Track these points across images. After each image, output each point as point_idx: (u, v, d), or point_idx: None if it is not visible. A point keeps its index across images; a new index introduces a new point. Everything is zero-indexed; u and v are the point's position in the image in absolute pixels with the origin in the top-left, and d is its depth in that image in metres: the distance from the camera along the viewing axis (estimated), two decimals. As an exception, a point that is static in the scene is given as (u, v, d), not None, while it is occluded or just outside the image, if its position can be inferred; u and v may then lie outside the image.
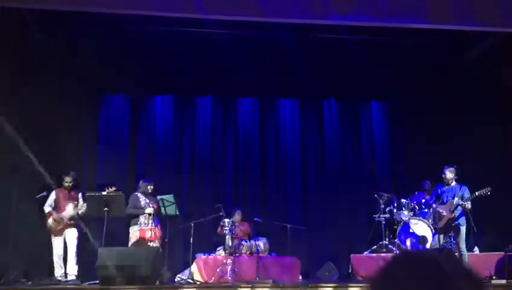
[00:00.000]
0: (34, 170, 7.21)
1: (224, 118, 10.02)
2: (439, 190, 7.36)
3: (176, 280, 7.43)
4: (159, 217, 7.72)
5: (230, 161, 9.84)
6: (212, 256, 7.86)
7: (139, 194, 7.77)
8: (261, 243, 7.96)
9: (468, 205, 6.93)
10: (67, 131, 8.38)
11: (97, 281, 6.41)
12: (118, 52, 8.55)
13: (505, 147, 9.05)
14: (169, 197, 7.55)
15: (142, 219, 7.59)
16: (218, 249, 8.09)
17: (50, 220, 7.34)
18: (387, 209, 8.43)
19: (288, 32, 8.46)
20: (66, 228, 7.38)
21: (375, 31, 8.01)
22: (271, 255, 8.04)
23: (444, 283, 1.05)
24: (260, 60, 9.16)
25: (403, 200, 8.44)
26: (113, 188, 7.19)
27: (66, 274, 7.26)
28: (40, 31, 7.97)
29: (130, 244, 7.53)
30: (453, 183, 7.18)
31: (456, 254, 6.60)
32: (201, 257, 7.73)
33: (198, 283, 7.14)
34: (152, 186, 7.87)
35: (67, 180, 7.50)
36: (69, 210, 7.38)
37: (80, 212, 7.41)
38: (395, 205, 8.43)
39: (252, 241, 8.02)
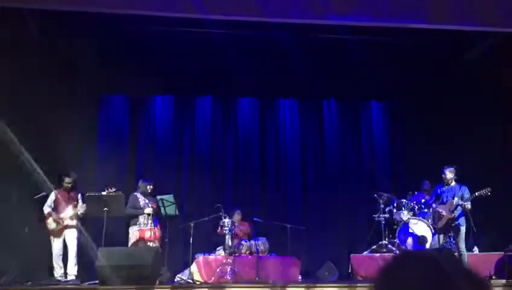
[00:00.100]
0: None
1: (224, 118, 10.01)
2: (438, 190, 7.35)
3: (175, 280, 7.42)
4: (158, 217, 7.72)
5: (230, 160, 9.83)
6: (212, 256, 7.86)
7: (139, 194, 7.78)
8: (261, 243, 7.96)
9: (468, 205, 6.92)
10: (67, 131, 8.36)
11: (97, 281, 6.40)
12: (118, 52, 8.56)
13: (505, 147, 9.06)
14: (169, 197, 7.56)
15: (141, 219, 7.61)
16: (218, 249, 8.09)
17: (49, 221, 7.34)
18: (387, 209, 8.44)
19: (288, 32, 8.47)
20: (66, 229, 7.39)
21: (375, 31, 8.01)
22: (271, 255, 8.04)
23: (444, 283, 1.05)
24: (260, 60, 9.16)
25: (403, 200, 8.46)
26: (113, 189, 7.20)
27: (65, 274, 7.27)
28: (40, 31, 7.97)
29: (129, 245, 7.54)
30: (453, 183, 7.17)
31: (456, 253, 6.60)
32: (201, 257, 7.73)
33: (198, 283, 7.14)
34: (151, 187, 7.88)
35: (67, 181, 7.50)
36: (68, 211, 7.38)
37: (79, 213, 7.41)
38: (395, 205, 8.44)
39: (252, 241, 8.02)
